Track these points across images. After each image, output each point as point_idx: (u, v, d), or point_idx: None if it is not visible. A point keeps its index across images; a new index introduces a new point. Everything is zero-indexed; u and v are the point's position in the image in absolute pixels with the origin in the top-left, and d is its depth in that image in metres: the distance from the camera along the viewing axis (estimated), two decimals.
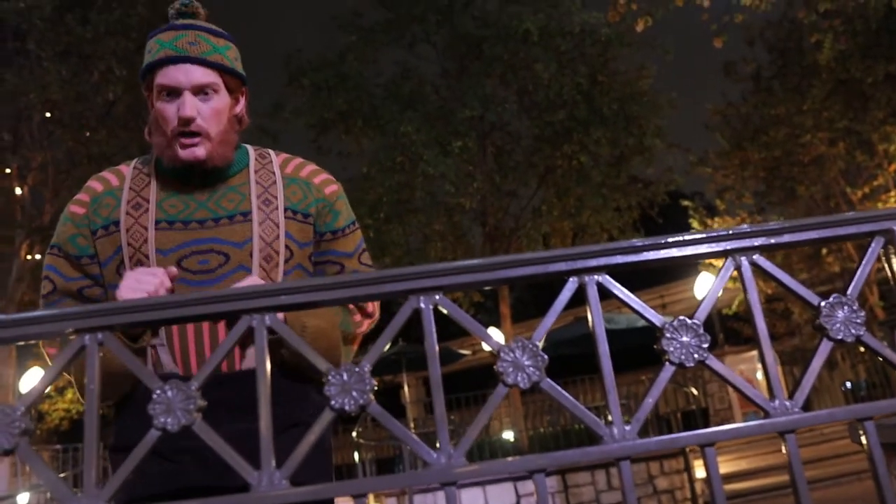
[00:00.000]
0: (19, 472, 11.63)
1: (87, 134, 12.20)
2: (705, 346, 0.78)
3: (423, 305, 0.76)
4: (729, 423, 14.18)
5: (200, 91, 1.46)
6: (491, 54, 12.01)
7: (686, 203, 15.54)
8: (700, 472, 7.60)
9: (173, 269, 1.39)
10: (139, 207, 1.49)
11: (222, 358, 0.78)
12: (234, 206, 1.50)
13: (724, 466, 10.49)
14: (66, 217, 1.57)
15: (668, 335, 0.78)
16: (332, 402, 0.73)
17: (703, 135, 15.74)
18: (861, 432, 0.80)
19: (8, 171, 12.45)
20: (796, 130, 13.53)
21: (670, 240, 0.81)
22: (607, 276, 0.80)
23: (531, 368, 0.74)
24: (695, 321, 0.79)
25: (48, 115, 11.65)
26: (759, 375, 14.17)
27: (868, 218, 0.84)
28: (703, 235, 0.82)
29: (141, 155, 1.65)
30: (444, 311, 0.78)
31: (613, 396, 0.77)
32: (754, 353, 14.44)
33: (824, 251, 13.68)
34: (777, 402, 0.77)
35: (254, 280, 1.43)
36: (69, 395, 15.28)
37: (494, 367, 0.75)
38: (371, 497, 7.47)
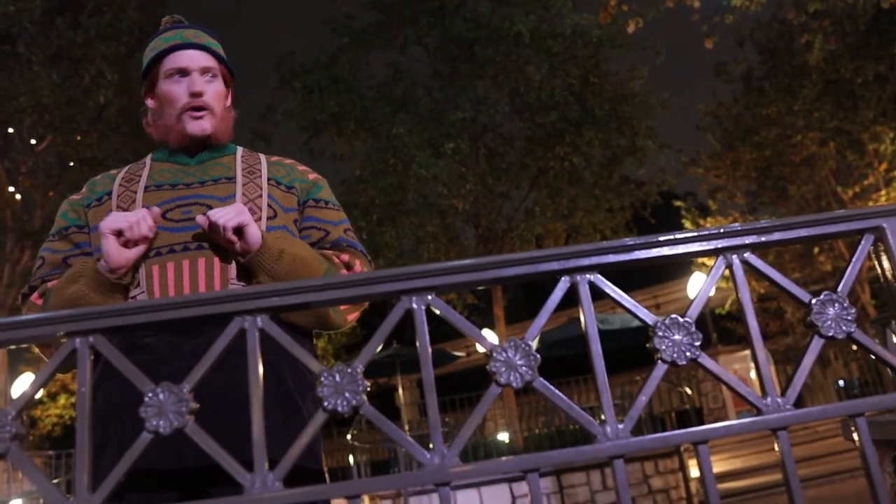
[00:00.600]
0: (11, 479, 11.55)
1: (79, 138, 12.16)
2: (697, 344, 0.79)
3: (415, 306, 0.76)
4: (723, 421, 14.23)
5: (206, 73, 1.61)
6: (483, 56, 12.01)
7: (678, 203, 15.59)
8: (695, 471, 7.61)
9: (156, 210, 1.46)
10: (132, 181, 1.58)
11: (214, 360, 0.78)
12: (219, 173, 1.58)
13: (719, 465, 10.52)
14: (64, 203, 1.66)
15: (660, 333, 0.78)
16: (325, 404, 0.73)
17: (695, 135, 15.83)
18: (853, 429, 0.80)
19: None
20: (787, 130, 13.60)
21: (661, 238, 0.81)
22: (599, 276, 0.80)
23: (524, 368, 0.75)
24: (686, 319, 0.79)
25: (39, 118, 11.59)
26: (753, 374, 14.20)
27: (858, 216, 0.85)
28: (695, 234, 0.82)
29: (134, 159, 1.68)
30: (437, 312, 0.78)
31: (606, 396, 0.78)
32: (748, 352, 14.43)
33: (816, 250, 13.76)
34: (769, 399, 0.77)
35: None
36: (62, 400, 15.22)
37: (487, 366, 0.75)
38: (366, 499, 7.45)
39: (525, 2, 12.09)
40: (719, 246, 0.82)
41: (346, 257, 1.61)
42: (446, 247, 12.83)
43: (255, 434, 0.75)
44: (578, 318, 0.80)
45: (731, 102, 14.85)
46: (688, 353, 0.78)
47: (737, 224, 0.83)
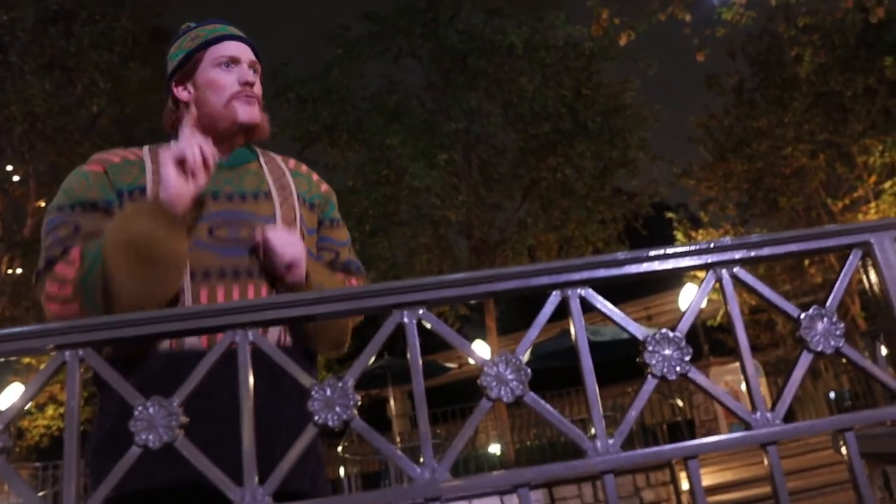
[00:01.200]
0: None
1: (71, 147, 12.13)
2: (687, 358, 0.79)
3: (406, 320, 0.76)
4: (714, 434, 14.21)
5: (252, 67, 1.61)
6: (476, 67, 12.07)
7: (670, 215, 15.66)
8: (686, 483, 7.60)
9: (209, 150, 1.38)
10: None
11: (204, 373, 0.78)
12: (254, 186, 1.55)
13: (709, 478, 10.51)
14: (81, 175, 1.48)
15: (650, 348, 0.79)
16: (316, 418, 0.73)
17: (687, 147, 15.91)
18: (842, 443, 0.81)
19: None
20: (778, 142, 13.69)
21: (652, 253, 0.81)
22: (590, 290, 0.81)
23: (514, 382, 0.75)
24: (676, 334, 0.80)
25: (31, 127, 11.56)
26: (745, 387, 14.21)
27: (846, 231, 0.86)
28: (685, 249, 0.83)
29: None
30: (428, 326, 0.78)
31: (597, 410, 0.78)
32: (738, 364, 14.51)
33: (807, 262, 13.81)
34: (758, 414, 0.78)
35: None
36: (49, 411, 15.09)
37: (478, 380, 0.76)
38: None
39: (518, 14, 12.17)
40: (709, 261, 0.83)
41: (354, 282, 1.62)
42: (439, 258, 12.85)
43: (245, 446, 0.75)
44: (569, 331, 0.81)
45: (722, 114, 14.93)
46: (678, 368, 0.78)
47: (727, 238, 0.83)
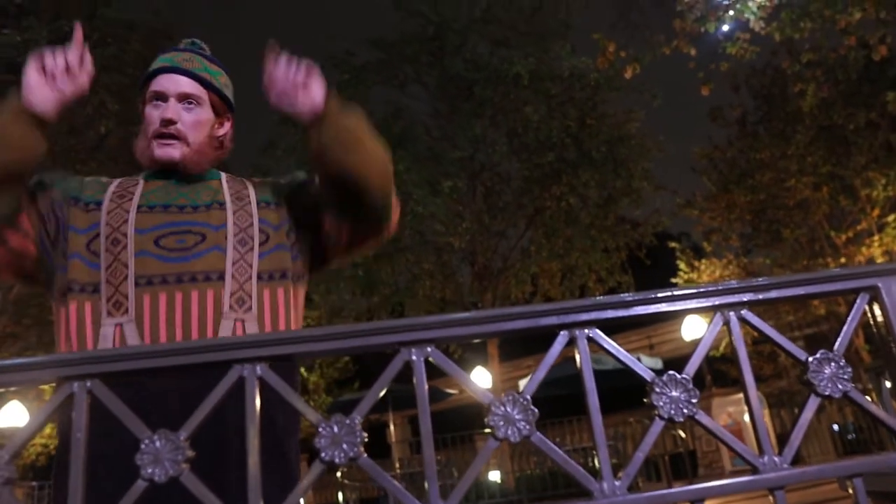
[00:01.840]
0: None
1: (77, 166, 12.21)
2: (695, 401, 0.79)
3: (414, 358, 0.77)
4: (716, 465, 14.05)
5: (185, 99, 1.58)
6: (482, 96, 12.17)
7: (673, 244, 15.67)
8: None
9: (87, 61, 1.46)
10: (123, 197, 1.54)
11: (210, 410, 0.78)
12: (209, 198, 1.57)
13: None
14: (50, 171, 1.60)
15: (657, 390, 0.79)
16: (323, 455, 0.73)
17: (690, 177, 15.95)
18: (849, 484, 0.81)
19: None
20: (781, 174, 13.74)
21: (660, 295, 0.82)
22: (597, 331, 0.81)
23: (522, 423, 0.75)
24: (684, 376, 0.80)
25: None
26: (747, 418, 14.10)
27: (853, 275, 0.86)
28: (693, 291, 0.83)
29: None
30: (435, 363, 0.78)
31: (603, 451, 0.78)
32: (741, 395, 14.39)
33: None
34: (766, 457, 0.78)
35: (229, 258, 1.47)
36: (46, 430, 15.00)
37: (486, 419, 0.76)
38: None
39: (524, 44, 12.30)
40: (717, 303, 0.83)
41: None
42: (442, 284, 12.85)
43: (251, 484, 0.75)
44: (572, 357, 0.81)
45: (726, 146, 15.01)
46: (685, 410, 0.78)
47: (734, 281, 0.84)
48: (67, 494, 0.75)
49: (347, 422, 0.74)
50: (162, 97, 1.58)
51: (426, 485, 0.77)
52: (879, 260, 12.65)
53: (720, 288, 0.83)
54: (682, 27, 7.46)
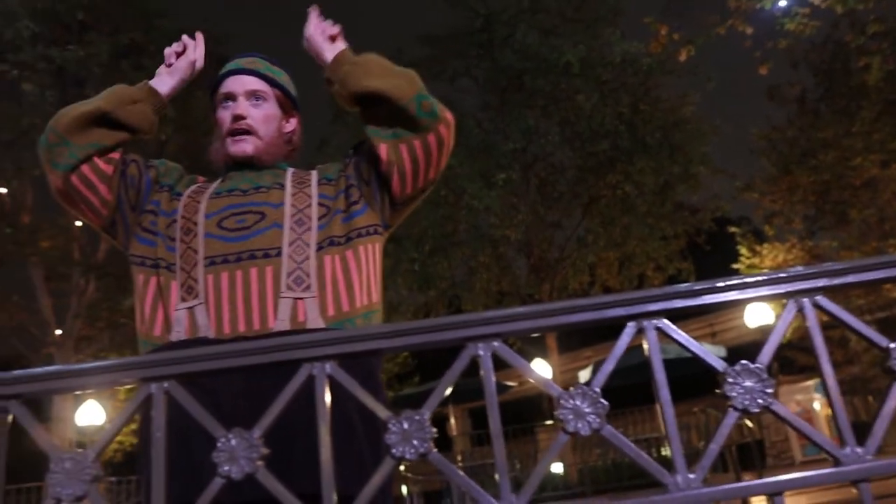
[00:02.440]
0: None
1: None
2: (770, 391, 0.77)
3: (481, 353, 0.77)
4: (786, 455, 13.68)
5: (252, 96, 1.68)
6: (532, 86, 12.08)
7: (733, 229, 15.28)
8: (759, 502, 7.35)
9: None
10: (199, 192, 1.65)
11: (283, 406, 0.80)
12: (271, 181, 1.64)
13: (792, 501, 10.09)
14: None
15: (730, 380, 0.77)
16: (394, 451, 0.74)
17: (749, 160, 15.51)
18: None
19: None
20: (846, 153, 13.24)
21: (730, 283, 0.80)
22: (666, 321, 0.80)
23: (592, 416, 0.74)
24: (757, 365, 0.78)
25: None
26: (817, 406, 13.69)
27: None
28: (764, 278, 0.81)
29: None
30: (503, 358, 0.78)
31: (676, 443, 0.76)
32: (810, 382, 13.97)
33: None
34: (848, 449, 0.75)
35: (286, 237, 1.53)
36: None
37: (555, 413, 0.75)
38: None
39: (573, 32, 12.15)
40: (790, 290, 0.81)
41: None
42: (498, 277, 12.82)
43: (324, 481, 0.76)
44: (634, 347, 0.80)
45: (785, 125, 14.53)
46: (760, 401, 0.76)
47: (808, 267, 0.81)
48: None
49: (417, 417, 0.74)
50: (231, 97, 1.68)
51: (496, 477, 0.77)
52: None
53: (794, 274, 0.80)
54: (737, 5, 7.25)
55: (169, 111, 12.22)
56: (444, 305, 13.32)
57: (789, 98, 14.35)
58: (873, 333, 0.80)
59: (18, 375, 0.79)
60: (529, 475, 0.74)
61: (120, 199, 1.62)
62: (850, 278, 0.81)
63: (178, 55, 1.73)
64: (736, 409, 0.76)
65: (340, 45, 1.71)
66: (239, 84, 1.68)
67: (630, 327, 0.79)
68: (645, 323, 0.79)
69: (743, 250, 14.84)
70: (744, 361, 0.78)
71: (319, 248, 1.53)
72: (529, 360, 15.40)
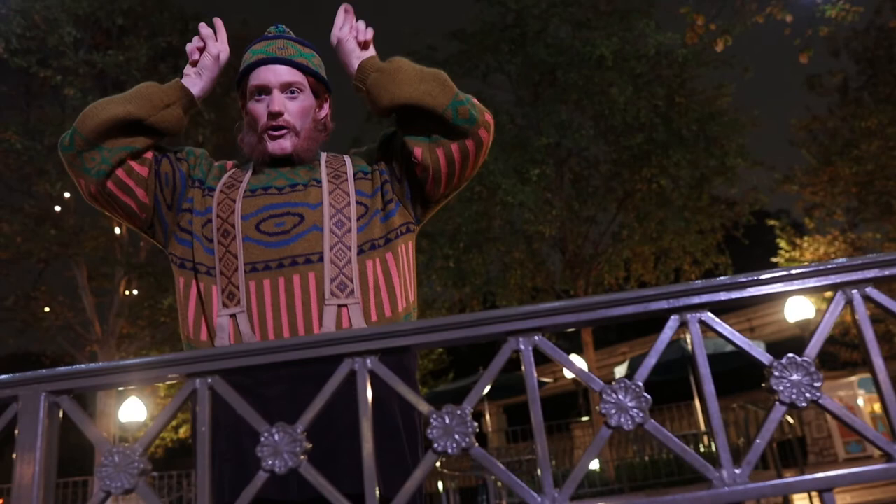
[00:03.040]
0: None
1: None
2: (818, 385, 0.75)
3: (522, 347, 0.76)
4: (828, 452, 13.40)
5: (287, 89, 1.61)
6: (565, 80, 11.99)
7: (772, 222, 14.99)
8: (800, 502, 7.22)
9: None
10: (232, 187, 1.60)
11: (325, 402, 0.80)
12: (307, 176, 1.59)
13: (841, 498, 9.89)
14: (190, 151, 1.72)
15: (776, 374, 0.75)
16: (436, 445, 0.74)
17: (788, 151, 15.24)
18: None
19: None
20: (890, 142, 12.91)
21: (776, 274, 0.78)
22: (709, 314, 0.78)
23: (635, 410, 0.73)
24: (805, 359, 0.76)
25: None
26: (861, 402, 13.38)
27: None
28: (811, 269, 0.79)
29: None
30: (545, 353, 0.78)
31: (722, 438, 0.75)
32: (853, 378, 13.67)
33: None
34: None
35: (326, 241, 1.50)
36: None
37: (598, 408, 0.75)
38: None
39: (607, 24, 12.02)
40: (838, 281, 0.79)
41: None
42: (533, 273, 12.77)
43: (366, 475, 0.76)
44: (671, 344, 0.78)
45: (826, 115, 14.23)
46: (807, 395, 0.75)
47: (842, 259, 0.79)
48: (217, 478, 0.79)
49: (459, 412, 0.74)
50: (264, 90, 1.60)
51: (531, 475, 0.77)
52: None
53: (842, 264, 0.78)
54: None
55: (206, 112, 12.42)
56: (478, 302, 13.31)
57: (830, 87, 14.04)
58: None
59: (69, 371, 0.81)
60: (565, 472, 0.73)
61: (157, 200, 1.59)
62: None
63: (201, 50, 1.65)
64: (783, 403, 0.75)
65: (369, 51, 1.64)
66: (273, 75, 1.60)
67: (673, 321, 0.78)
68: (688, 316, 0.78)
69: (782, 244, 14.57)
70: (791, 354, 0.76)
71: (361, 251, 1.51)
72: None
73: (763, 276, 0.79)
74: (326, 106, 1.70)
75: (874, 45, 13.30)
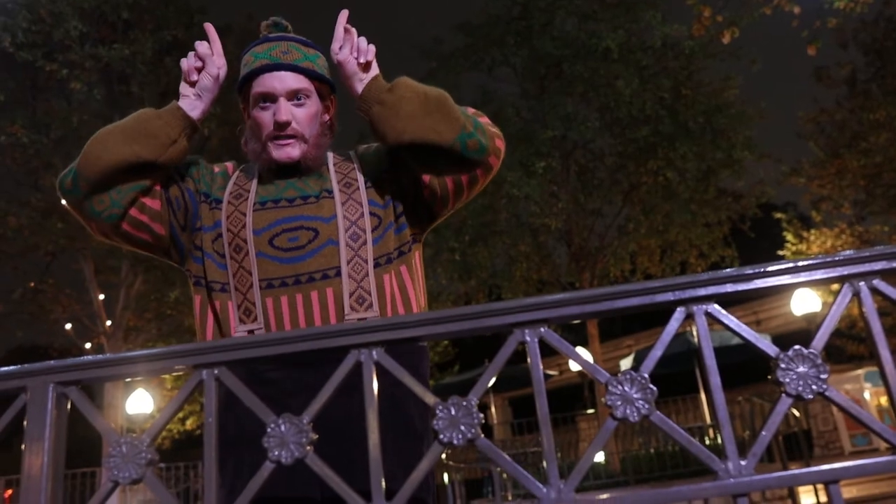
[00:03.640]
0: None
1: None
2: (824, 377, 0.75)
3: (528, 339, 0.76)
4: (833, 445, 13.38)
5: (294, 96, 1.55)
6: (571, 73, 11.95)
7: (779, 215, 14.94)
8: (805, 498, 7.22)
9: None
10: (239, 197, 1.56)
11: (331, 393, 0.81)
12: (318, 187, 1.56)
13: (846, 491, 9.87)
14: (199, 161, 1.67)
15: (783, 366, 0.75)
16: (441, 436, 0.74)
17: (795, 144, 15.16)
18: None
19: None
20: None
21: (783, 266, 0.78)
22: (716, 306, 0.78)
23: (640, 401, 0.73)
24: (811, 351, 0.76)
25: None
26: (867, 395, 13.35)
27: None
28: (818, 261, 0.79)
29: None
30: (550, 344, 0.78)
31: (728, 430, 0.75)
32: (859, 371, 13.63)
33: None
34: None
35: (342, 256, 1.47)
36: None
37: (603, 399, 0.75)
38: None
39: (612, 16, 11.96)
40: (845, 273, 0.78)
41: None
42: (538, 265, 12.76)
43: (372, 465, 0.77)
44: (677, 336, 0.78)
45: (834, 107, 14.14)
46: (814, 387, 0.74)
47: (862, 250, 0.78)
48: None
49: (464, 403, 0.74)
50: (270, 98, 1.54)
51: (544, 464, 0.77)
52: None
53: (850, 256, 0.78)
54: None
55: (211, 107, 12.47)
56: (484, 295, 13.32)
57: (838, 79, 13.95)
58: None
59: (77, 362, 0.81)
60: (570, 464, 0.73)
61: (172, 227, 1.55)
62: None
63: (199, 70, 1.57)
64: (789, 395, 0.75)
65: (372, 70, 1.57)
66: (278, 82, 1.53)
67: (679, 312, 0.78)
68: (694, 308, 0.77)
69: (789, 237, 14.52)
70: (797, 346, 0.76)
71: (377, 265, 1.49)
72: None
73: (770, 268, 0.79)
74: (332, 107, 1.67)
75: (883, 37, 13.21)
